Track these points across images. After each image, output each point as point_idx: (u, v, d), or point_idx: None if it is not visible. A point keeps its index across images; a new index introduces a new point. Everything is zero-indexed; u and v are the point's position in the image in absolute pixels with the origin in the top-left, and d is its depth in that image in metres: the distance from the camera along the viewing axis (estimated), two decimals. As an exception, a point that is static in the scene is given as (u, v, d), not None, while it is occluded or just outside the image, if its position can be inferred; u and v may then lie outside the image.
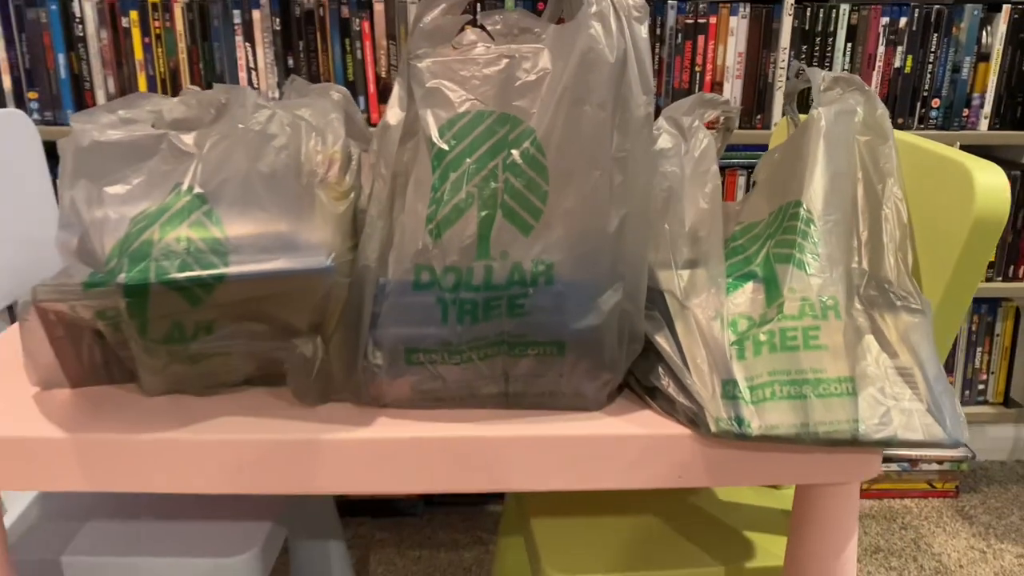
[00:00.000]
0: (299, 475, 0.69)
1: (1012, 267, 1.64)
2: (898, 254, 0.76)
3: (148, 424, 0.69)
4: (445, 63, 0.69)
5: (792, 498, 1.03)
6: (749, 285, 0.75)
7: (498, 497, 1.70)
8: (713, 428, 0.67)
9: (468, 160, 0.67)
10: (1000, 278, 1.65)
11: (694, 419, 0.69)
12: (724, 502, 1.02)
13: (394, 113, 0.70)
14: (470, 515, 1.68)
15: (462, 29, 0.71)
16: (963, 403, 1.75)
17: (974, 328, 1.72)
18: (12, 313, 1.13)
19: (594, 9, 0.66)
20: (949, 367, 1.71)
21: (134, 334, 0.65)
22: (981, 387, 1.75)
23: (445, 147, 0.67)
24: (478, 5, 1.48)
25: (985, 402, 1.75)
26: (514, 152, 0.66)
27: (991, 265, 1.65)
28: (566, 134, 0.66)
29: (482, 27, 0.71)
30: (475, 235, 0.66)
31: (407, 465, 0.69)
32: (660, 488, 0.72)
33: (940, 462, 1.70)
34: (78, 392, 0.75)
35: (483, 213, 0.66)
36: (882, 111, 0.82)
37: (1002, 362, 1.74)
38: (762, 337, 0.70)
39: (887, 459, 1.73)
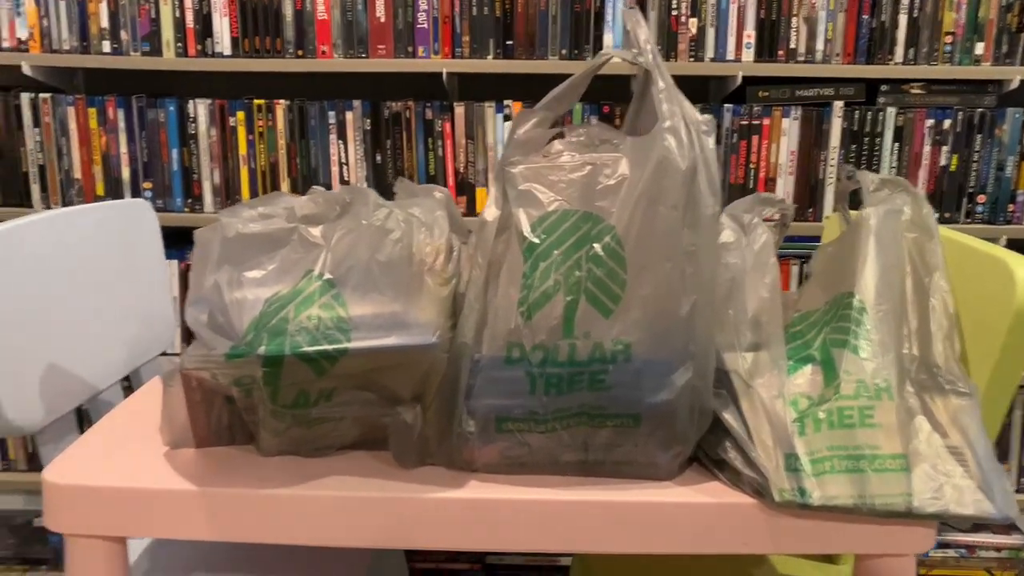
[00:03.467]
0: (398, 530, 0.75)
1: (1066, 357, 1.67)
2: (946, 342, 0.82)
3: (265, 480, 0.77)
4: (536, 169, 0.79)
5: (848, 573, 1.07)
6: (808, 367, 0.82)
7: (561, 570, 1.74)
8: (777, 498, 0.74)
9: (556, 252, 0.76)
10: (1055, 368, 1.67)
11: (759, 489, 0.75)
12: (783, 574, 1.07)
13: (491, 211, 0.80)
14: (530, 588, 1.72)
15: (550, 140, 0.81)
16: (1019, 491, 1.75)
17: (1029, 418, 1.73)
18: (128, 382, 1.24)
19: (668, 124, 0.76)
20: (1005, 454, 1.72)
21: (265, 400, 0.74)
22: (1037, 476, 1.75)
23: (536, 240, 0.76)
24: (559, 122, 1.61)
25: (1042, 491, 1.76)
26: (596, 245, 0.75)
27: (1045, 355, 1.67)
28: (643, 230, 0.75)
29: (567, 139, 0.81)
30: (561, 317, 0.75)
31: (494, 525, 0.75)
32: (725, 555, 0.78)
33: (999, 549, 1.70)
34: (203, 451, 0.83)
35: (568, 298, 0.75)
36: (927, 210, 0.89)
37: (1060, 451, 1.74)
38: (821, 415, 0.77)
39: (945, 545, 1.73)
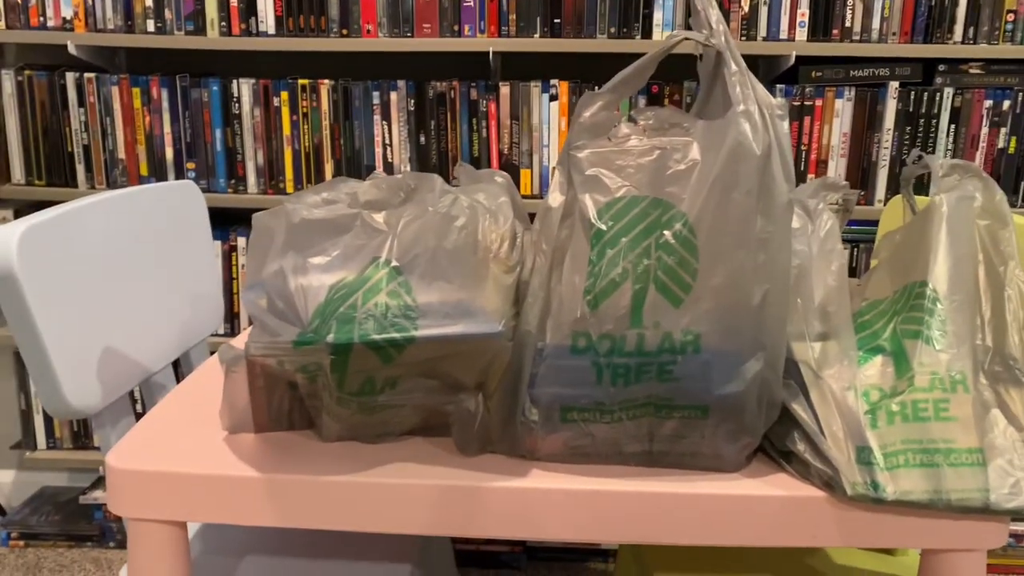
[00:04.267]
0: (459, 518, 0.75)
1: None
2: (1021, 332, 0.80)
3: (327, 467, 0.76)
4: (602, 153, 0.77)
5: (908, 565, 1.05)
6: (879, 358, 0.80)
7: (600, 553, 1.74)
8: (849, 491, 0.72)
9: (624, 239, 0.75)
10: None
11: (829, 482, 0.74)
12: (841, 565, 1.06)
13: (555, 197, 0.78)
14: (573, 570, 1.73)
15: (618, 123, 0.79)
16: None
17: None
18: (177, 365, 1.25)
19: (742, 108, 0.74)
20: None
21: (331, 387, 0.74)
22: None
23: (603, 227, 0.75)
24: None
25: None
26: (666, 233, 0.74)
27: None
28: (716, 218, 0.73)
29: (635, 122, 0.80)
30: (629, 306, 0.74)
31: (556, 514, 0.75)
32: (791, 547, 0.76)
33: (1052, 541, 1.68)
34: (262, 437, 0.83)
35: (637, 286, 0.74)
36: (1000, 196, 0.86)
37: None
38: (894, 407, 0.75)
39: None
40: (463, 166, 0.88)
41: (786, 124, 0.75)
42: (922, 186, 1.52)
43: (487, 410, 0.78)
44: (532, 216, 1.09)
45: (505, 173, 0.88)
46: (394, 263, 0.73)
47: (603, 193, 0.76)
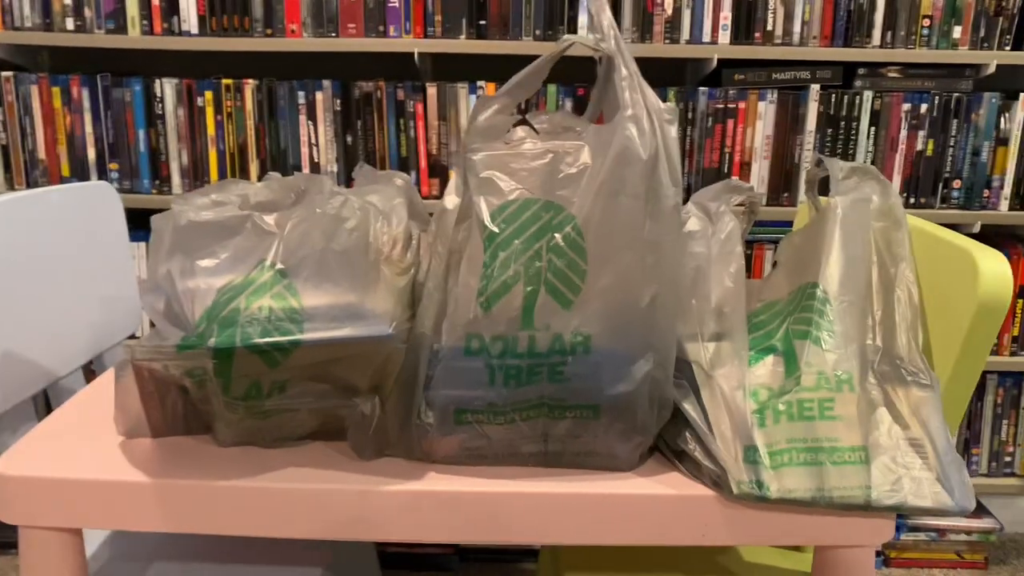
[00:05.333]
0: (355, 523, 0.75)
1: (1037, 342, 1.68)
2: (909, 333, 0.82)
3: (222, 471, 0.75)
4: (497, 156, 0.78)
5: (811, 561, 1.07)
6: (770, 358, 0.82)
7: (532, 554, 1.75)
8: (735, 490, 0.73)
9: (516, 241, 0.75)
10: (1025, 352, 1.69)
11: (718, 481, 0.75)
12: (749, 563, 1.07)
13: (451, 199, 0.78)
14: (505, 571, 1.73)
15: (513, 127, 0.80)
16: (990, 476, 1.77)
17: (999, 401, 1.75)
18: (89, 368, 1.22)
19: (629, 112, 0.74)
20: (976, 438, 1.74)
21: (218, 391, 0.73)
22: (1008, 459, 1.76)
23: (496, 230, 0.75)
24: (527, 105, 1.59)
25: (1012, 474, 1.77)
26: (557, 236, 0.74)
27: (1015, 339, 1.69)
28: (604, 220, 0.73)
29: (530, 125, 0.80)
30: (521, 308, 0.74)
31: (453, 517, 0.75)
32: (686, 546, 0.77)
33: (969, 532, 1.72)
34: (159, 441, 0.82)
35: (528, 288, 0.74)
36: (896, 199, 0.88)
37: (1030, 436, 1.76)
38: (781, 407, 0.76)
39: (915, 528, 1.74)
40: (362, 167, 0.88)
41: (674, 129, 0.76)
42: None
43: (383, 413, 0.78)
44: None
45: (405, 175, 0.88)
46: (279, 265, 0.72)
47: (497, 196, 0.76)
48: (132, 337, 1.55)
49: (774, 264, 0.95)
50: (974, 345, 0.80)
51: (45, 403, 1.65)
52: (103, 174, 1.59)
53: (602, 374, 0.75)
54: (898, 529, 1.75)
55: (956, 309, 0.81)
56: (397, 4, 1.53)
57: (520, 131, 0.79)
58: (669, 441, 0.80)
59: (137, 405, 0.80)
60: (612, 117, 0.76)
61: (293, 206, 0.77)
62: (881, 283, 0.85)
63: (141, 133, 1.58)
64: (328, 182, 0.77)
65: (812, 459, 0.74)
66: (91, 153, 1.59)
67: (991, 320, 0.78)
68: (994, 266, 0.78)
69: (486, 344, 0.74)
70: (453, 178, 0.79)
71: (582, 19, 1.54)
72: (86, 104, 1.57)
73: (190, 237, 0.75)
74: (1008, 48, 1.57)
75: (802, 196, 1.59)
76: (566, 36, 0.79)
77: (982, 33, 1.57)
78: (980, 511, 1.76)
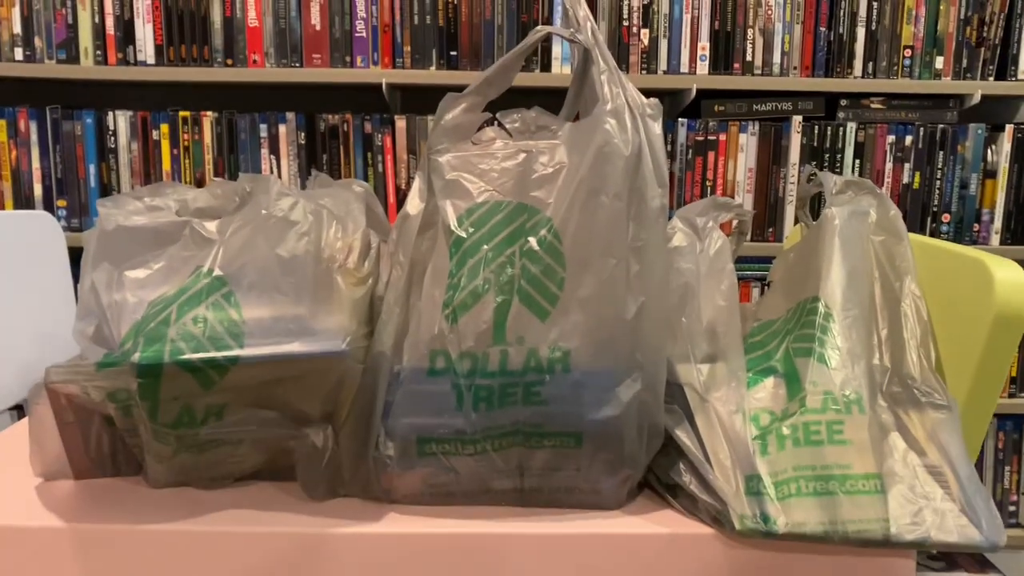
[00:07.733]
0: (303, 571, 0.66)
1: (1035, 383, 1.62)
2: (920, 351, 0.75)
3: (151, 515, 0.67)
4: (465, 157, 0.71)
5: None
6: (770, 380, 0.74)
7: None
8: (738, 526, 0.65)
9: (485, 247, 0.68)
10: (1024, 394, 1.62)
11: (718, 517, 0.67)
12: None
13: (414, 204, 0.71)
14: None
15: (482, 127, 0.73)
16: (996, 523, 1.68)
17: (1000, 446, 1.67)
18: (21, 411, 1.12)
19: (609, 106, 0.68)
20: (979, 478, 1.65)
21: (144, 417, 0.64)
22: (1012, 508, 1.68)
23: (463, 235, 0.68)
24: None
25: (1017, 524, 1.68)
26: (531, 239, 0.67)
27: (1013, 381, 1.62)
28: (583, 223, 0.66)
29: (501, 125, 0.73)
30: (491, 320, 0.66)
31: (416, 564, 0.66)
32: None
33: (974, 586, 1.62)
34: (82, 484, 0.73)
35: (500, 298, 0.66)
36: (895, 212, 0.82)
37: (1032, 483, 1.68)
38: (785, 431, 0.69)
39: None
40: (317, 176, 0.80)
41: (658, 125, 0.69)
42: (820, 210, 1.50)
43: (336, 446, 0.69)
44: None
45: (364, 182, 0.81)
46: (218, 272, 0.64)
47: (465, 198, 0.70)
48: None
49: (768, 284, 0.88)
50: (992, 361, 0.73)
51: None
52: (50, 211, 1.51)
53: (584, 396, 0.67)
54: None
55: (970, 323, 0.74)
56: (364, 34, 1.48)
57: (490, 131, 0.73)
58: (660, 474, 0.72)
59: (55, 440, 0.70)
60: (589, 115, 0.70)
61: (237, 210, 0.68)
62: (885, 299, 0.78)
63: (92, 168, 1.50)
64: (276, 182, 0.69)
65: (823, 488, 0.66)
66: (38, 189, 1.50)
67: (1010, 332, 0.71)
68: (1010, 275, 0.72)
69: (453, 362, 0.66)
70: (416, 182, 0.72)
71: (556, 50, 1.50)
72: (34, 138, 1.49)
73: (118, 244, 0.67)
74: (992, 78, 1.55)
75: (788, 230, 1.53)
76: (539, 27, 0.72)
77: (964, 63, 1.54)
78: (985, 566, 1.67)
